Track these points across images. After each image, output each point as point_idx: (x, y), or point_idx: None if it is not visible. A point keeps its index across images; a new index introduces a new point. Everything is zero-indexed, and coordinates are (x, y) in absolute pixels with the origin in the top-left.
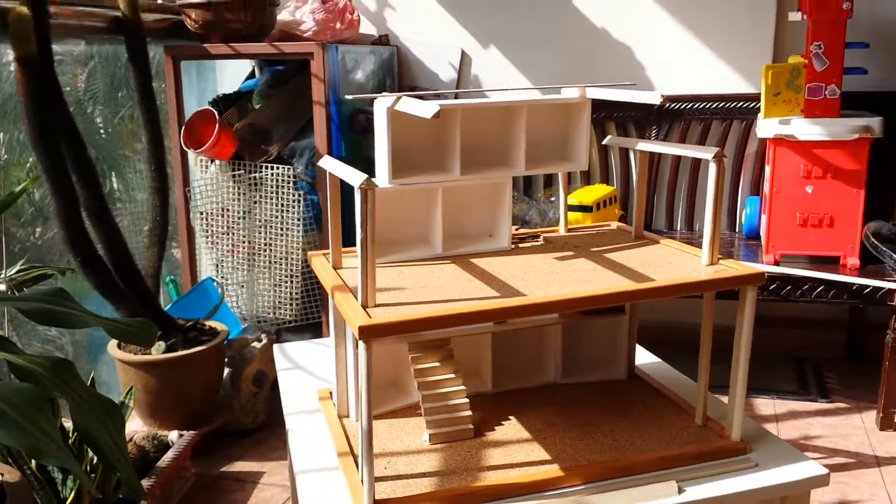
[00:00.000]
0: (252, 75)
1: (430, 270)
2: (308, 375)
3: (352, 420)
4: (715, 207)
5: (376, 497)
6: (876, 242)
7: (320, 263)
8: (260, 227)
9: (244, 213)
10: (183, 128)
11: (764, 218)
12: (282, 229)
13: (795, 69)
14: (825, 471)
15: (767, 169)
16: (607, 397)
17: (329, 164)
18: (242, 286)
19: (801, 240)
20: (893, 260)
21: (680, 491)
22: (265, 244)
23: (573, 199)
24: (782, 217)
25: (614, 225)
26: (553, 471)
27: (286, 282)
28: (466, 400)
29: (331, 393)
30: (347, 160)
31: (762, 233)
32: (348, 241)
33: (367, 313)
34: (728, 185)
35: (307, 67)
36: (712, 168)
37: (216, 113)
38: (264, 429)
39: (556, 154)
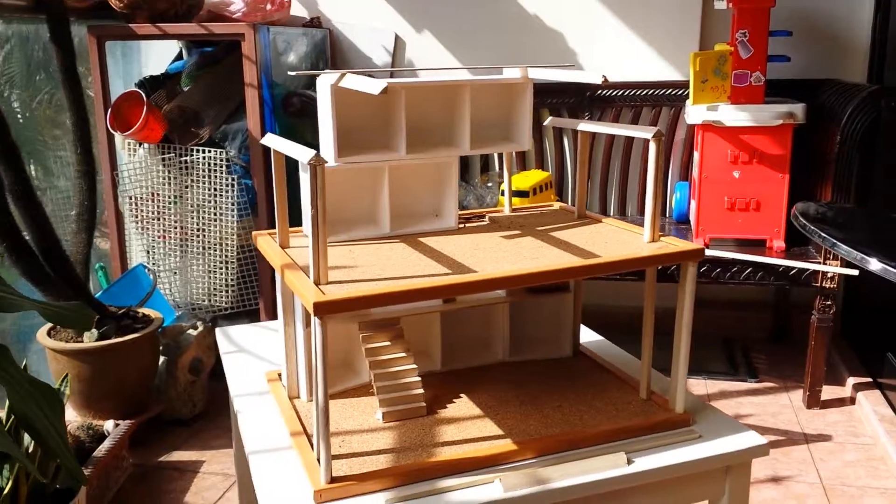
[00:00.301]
0: (179, 57)
1: (379, 249)
2: (253, 358)
3: (302, 400)
4: (655, 185)
5: (333, 474)
6: (805, 222)
7: (266, 243)
8: (192, 212)
9: (175, 197)
10: (109, 110)
11: (693, 203)
12: (215, 214)
13: (722, 57)
14: (764, 440)
15: (696, 154)
16: (554, 374)
17: (273, 141)
18: (175, 273)
19: (729, 223)
20: (822, 238)
21: (629, 462)
22: (198, 229)
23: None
24: (711, 201)
25: (557, 205)
26: (506, 445)
27: (221, 268)
28: (418, 378)
29: (279, 374)
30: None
31: (692, 217)
32: (290, 221)
33: (321, 290)
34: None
35: (237, 49)
36: (652, 147)
37: (144, 95)
38: (202, 418)
39: (499, 134)
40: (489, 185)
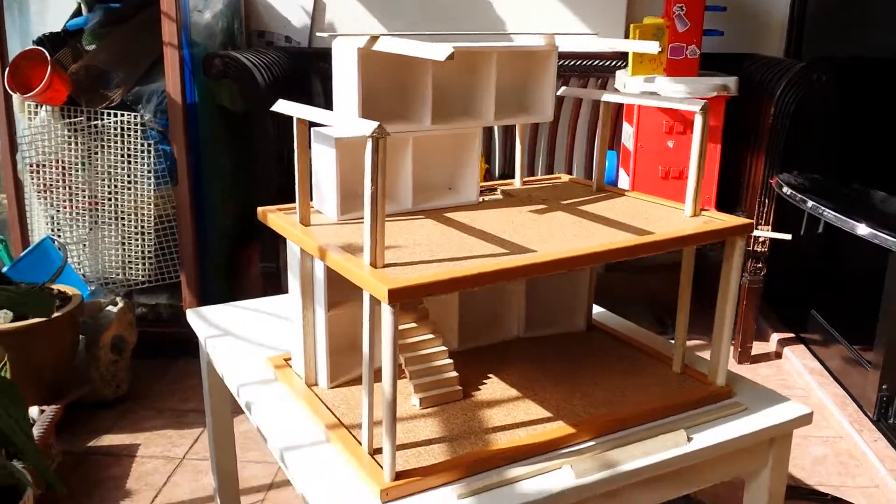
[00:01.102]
0: (78, 13)
1: (409, 226)
2: (243, 343)
3: (322, 388)
4: (700, 159)
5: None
6: (793, 192)
7: (283, 220)
8: (102, 179)
9: (82, 163)
10: (7, 70)
11: (622, 171)
12: (129, 182)
13: (659, 30)
14: (808, 409)
15: (626, 126)
16: (575, 349)
17: (293, 109)
18: (84, 245)
19: (662, 191)
20: (812, 207)
21: (689, 439)
22: (109, 197)
23: None
24: (646, 170)
25: (565, 178)
26: (563, 428)
27: (136, 239)
28: (450, 361)
29: (286, 360)
30: (199, 107)
31: (622, 185)
32: (200, 194)
33: (385, 275)
34: (585, 139)
35: (147, 6)
36: (698, 120)
37: (47, 53)
38: (128, 399)
39: (518, 104)
40: None
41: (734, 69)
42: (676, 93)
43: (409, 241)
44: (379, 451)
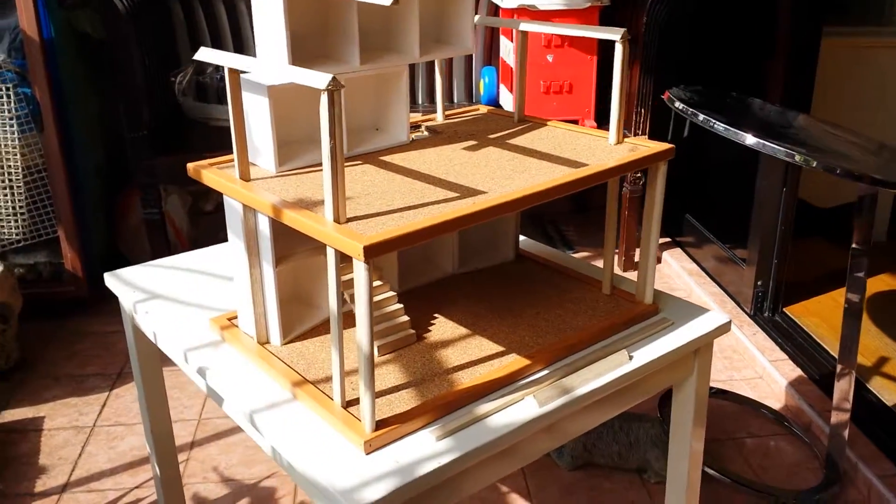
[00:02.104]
0: None
1: (350, 174)
2: (175, 304)
3: (275, 345)
4: (621, 87)
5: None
6: (685, 106)
7: (220, 177)
8: None
9: None
10: None
11: (503, 87)
12: None
13: None
14: (727, 317)
15: (505, 40)
16: (511, 280)
17: (221, 58)
18: None
19: (545, 106)
20: (703, 119)
21: (630, 358)
22: None
23: None
24: (528, 86)
25: (483, 109)
26: (519, 360)
27: (4, 194)
28: (401, 305)
29: (231, 320)
30: (58, 43)
31: (503, 101)
32: (69, 139)
33: (352, 230)
34: (463, 57)
35: None
36: (619, 49)
37: None
38: (21, 368)
39: (436, 38)
40: None
41: None
42: (553, 4)
43: (356, 191)
44: (351, 403)
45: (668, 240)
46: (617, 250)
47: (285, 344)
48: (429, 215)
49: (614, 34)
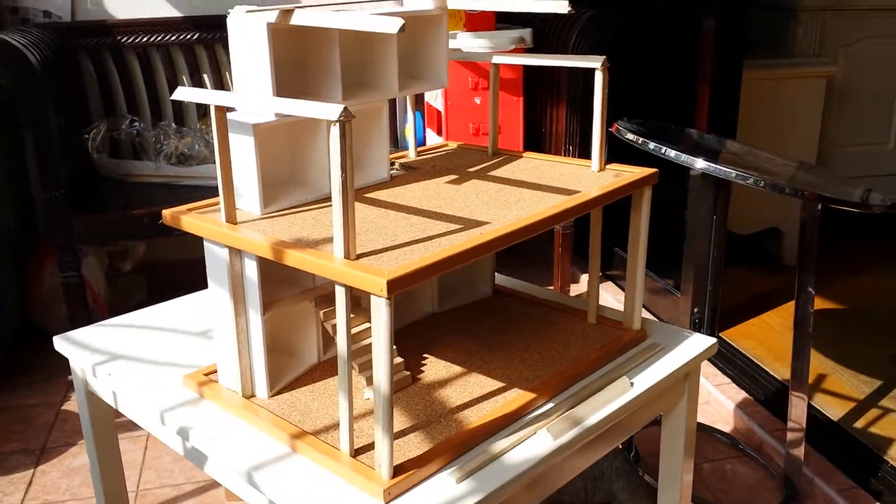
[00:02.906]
0: None
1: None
2: (138, 364)
3: (262, 399)
4: (602, 115)
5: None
6: (636, 136)
7: (204, 222)
8: None
9: None
10: None
11: (430, 131)
12: None
13: None
14: (713, 340)
15: None
16: (493, 315)
17: (204, 96)
18: None
19: None
20: (654, 147)
21: (631, 384)
22: None
23: None
24: (458, 128)
25: (452, 144)
26: (523, 395)
27: None
28: (393, 347)
29: (207, 375)
30: None
31: (430, 145)
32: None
33: (369, 265)
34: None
35: None
36: (599, 77)
37: None
38: None
39: (412, 73)
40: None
41: (528, 21)
42: (479, 47)
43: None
44: (360, 451)
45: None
46: (552, 287)
47: (272, 396)
48: (440, 247)
49: (594, 62)
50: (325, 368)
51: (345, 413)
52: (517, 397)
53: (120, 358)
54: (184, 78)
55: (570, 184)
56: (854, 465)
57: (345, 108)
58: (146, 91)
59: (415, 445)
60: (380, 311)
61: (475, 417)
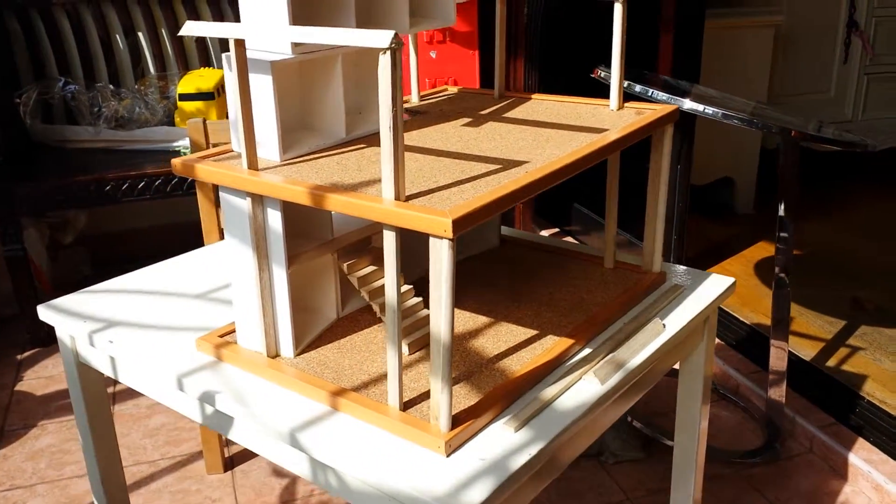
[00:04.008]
0: None
1: (363, 157)
2: (137, 329)
3: (287, 357)
4: (621, 55)
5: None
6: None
7: (223, 168)
8: None
9: None
10: None
11: None
12: None
13: None
14: (732, 279)
15: None
16: (507, 265)
17: (219, 30)
18: None
19: None
20: (639, 89)
21: (664, 327)
22: None
23: (187, 88)
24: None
25: (452, 88)
26: (561, 342)
27: None
28: (420, 298)
29: (223, 337)
30: None
31: None
32: None
33: (426, 206)
34: None
35: None
36: (618, 9)
37: None
38: None
39: (418, 11)
40: (151, 90)
41: None
42: None
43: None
44: (409, 404)
45: (556, 230)
46: None
47: (298, 355)
48: (488, 187)
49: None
50: (346, 324)
51: (394, 366)
52: (555, 345)
53: (119, 324)
54: (117, 37)
55: (594, 122)
56: (833, 402)
57: (395, 35)
58: (78, 51)
59: (463, 396)
60: (442, 253)
61: (517, 366)
